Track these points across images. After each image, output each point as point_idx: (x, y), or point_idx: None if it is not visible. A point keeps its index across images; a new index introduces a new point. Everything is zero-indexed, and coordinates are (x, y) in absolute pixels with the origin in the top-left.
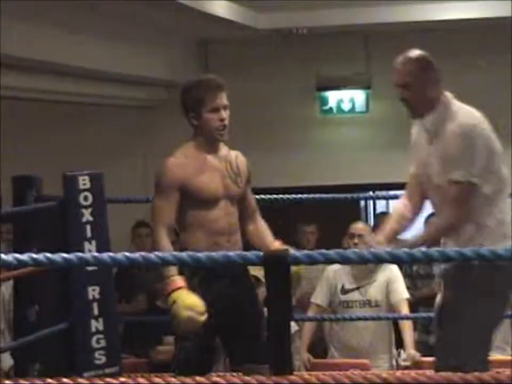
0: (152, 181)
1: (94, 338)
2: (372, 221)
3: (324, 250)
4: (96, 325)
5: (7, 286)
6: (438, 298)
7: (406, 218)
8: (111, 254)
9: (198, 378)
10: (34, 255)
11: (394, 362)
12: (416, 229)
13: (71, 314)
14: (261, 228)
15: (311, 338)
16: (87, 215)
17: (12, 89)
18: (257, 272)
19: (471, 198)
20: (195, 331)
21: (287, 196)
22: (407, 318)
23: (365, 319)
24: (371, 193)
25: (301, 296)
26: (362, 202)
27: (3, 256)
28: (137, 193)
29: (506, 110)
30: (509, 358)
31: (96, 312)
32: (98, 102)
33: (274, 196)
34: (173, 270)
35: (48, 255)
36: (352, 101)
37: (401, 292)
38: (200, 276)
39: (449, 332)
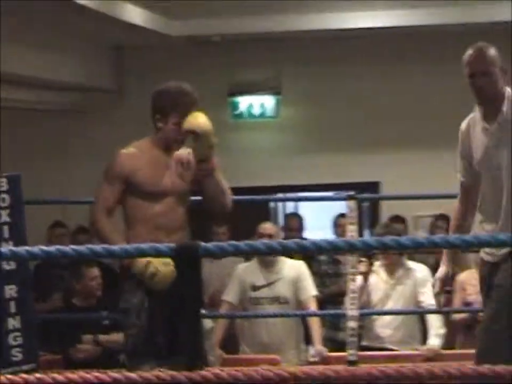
0: (75, 181)
1: (11, 336)
2: (281, 222)
3: (233, 242)
4: (14, 322)
5: None
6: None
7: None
8: (27, 248)
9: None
10: None
11: (303, 358)
12: None
13: None
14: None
15: (223, 334)
16: (4, 216)
17: None
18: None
19: None
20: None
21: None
22: (315, 314)
23: (275, 315)
24: (280, 195)
25: (213, 293)
26: (272, 204)
27: None
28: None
29: (413, 116)
30: None
31: (13, 310)
32: (19, 106)
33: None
34: (121, 241)
35: None
36: (262, 106)
37: (310, 289)
38: None
39: None
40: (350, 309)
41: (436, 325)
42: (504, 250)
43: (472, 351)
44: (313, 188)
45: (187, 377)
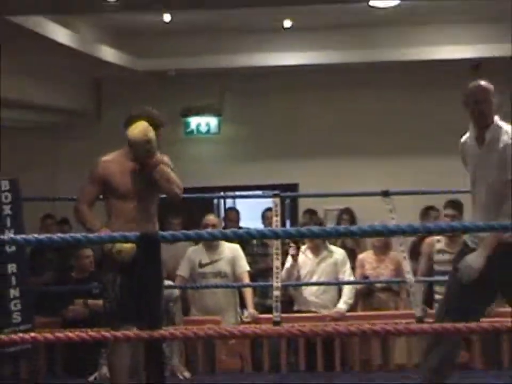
0: (59, 184)
1: (12, 303)
2: (222, 214)
3: (184, 231)
4: (14, 292)
5: None
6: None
7: None
8: (24, 236)
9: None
10: None
11: (239, 319)
12: None
13: None
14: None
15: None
16: (7, 210)
17: None
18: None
19: None
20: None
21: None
22: (248, 285)
23: (217, 286)
24: (222, 193)
25: (169, 270)
26: (215, 200)
27: None
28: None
29: (321, 132)
30: None
31: (14, 283)
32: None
33: None
34: (98, 224)
35: None
36: (208, 125)
37: (244, 266)
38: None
39: None
40: (275, 281)
41: (347, 294)
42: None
43: (370, 313)
44: (246, 188)
45: (149, 335)
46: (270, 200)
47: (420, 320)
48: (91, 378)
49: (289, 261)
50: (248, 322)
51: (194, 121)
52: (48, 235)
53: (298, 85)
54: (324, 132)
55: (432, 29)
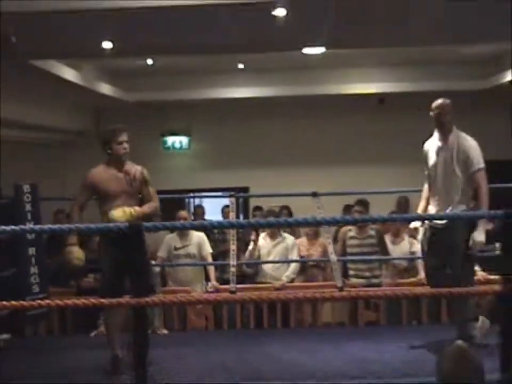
0: (67, 187)
1: (32, 277)
2: (191, 210)
3: (163, 222)
4: (33, 269)
5: None
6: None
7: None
8: (41, 226)
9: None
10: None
11: (204, 289)
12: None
13: (19, 263)
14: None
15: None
16: (28, 207)
17: None
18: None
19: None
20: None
21: None
22: (211, 264)
23: (188, 264)
24: (191, 194)
25: (152, 252)
26: (186, 199)
27: None
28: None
29: (268, 148)
30: None
31: (33, 262)
32: (31, 141)
33: None
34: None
35: (13, 227)
36: (181, 142)
37: (208, 249)
38: (108, 239)
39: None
40: (232, 260)
41: (290, 270)
42: (444, 222)
43: (304, 284)
44: (210, 190)
45: (137, 302)
46: (227, 199)
47: (341, 289)
48: (92, 334)
49: (251, 244)
50: (211, 292)
51: (170, 140)
52: (59, 225)
53: (248, 112)
54: (268, 148)
55: (349, 70)
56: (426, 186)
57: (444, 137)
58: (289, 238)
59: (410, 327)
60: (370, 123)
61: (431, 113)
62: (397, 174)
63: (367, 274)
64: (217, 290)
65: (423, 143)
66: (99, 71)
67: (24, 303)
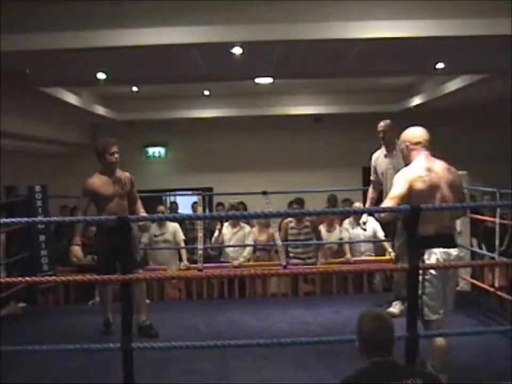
0: (71, 188)
1: (42, 258)
2: (168, 205)
3: (151, 215)
4: (43, 252)
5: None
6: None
7: (374, 196)
8: (49, 218)
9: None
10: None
11: (178, 267)
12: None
13: (32, 247)
14: (138, 207)
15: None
16: (39, 203)
17: None
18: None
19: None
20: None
21: None
22: (183, 248)
23: (165, 248)
24: (167, 193)
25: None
26: (163, 197)
27: (4, 220)
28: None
29: (230, 157)
30: None
31: (43, 246)
32: (42, 152)
33: None
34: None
35: (27, 219)
36: (159, 152)
37: (181, 236)
38: (102, 229)
39: None
40: (199, 245)
41: (246, 252)
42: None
43: (256, 263)
44: (182, 190)
45: (124, 278)
46: (196, 197)
47: (284, 267)
48: (89, 303)
49: (216, 232)
50: (183, 270)
51: (151, 150)
52: (63, 218)
53: (213, 128)
54: (229, 156)
55: (292, 96)
56: (371, 189)
57: (389, 150)
58: (246, 227)
59: (339, 296)
60: (308, 137)
61: (378, 130)
62: (328, 177)
63: (303, 256)
64: (188, 269)
65: (371, 155)
66: (95, 96)
67: (36, 279)
